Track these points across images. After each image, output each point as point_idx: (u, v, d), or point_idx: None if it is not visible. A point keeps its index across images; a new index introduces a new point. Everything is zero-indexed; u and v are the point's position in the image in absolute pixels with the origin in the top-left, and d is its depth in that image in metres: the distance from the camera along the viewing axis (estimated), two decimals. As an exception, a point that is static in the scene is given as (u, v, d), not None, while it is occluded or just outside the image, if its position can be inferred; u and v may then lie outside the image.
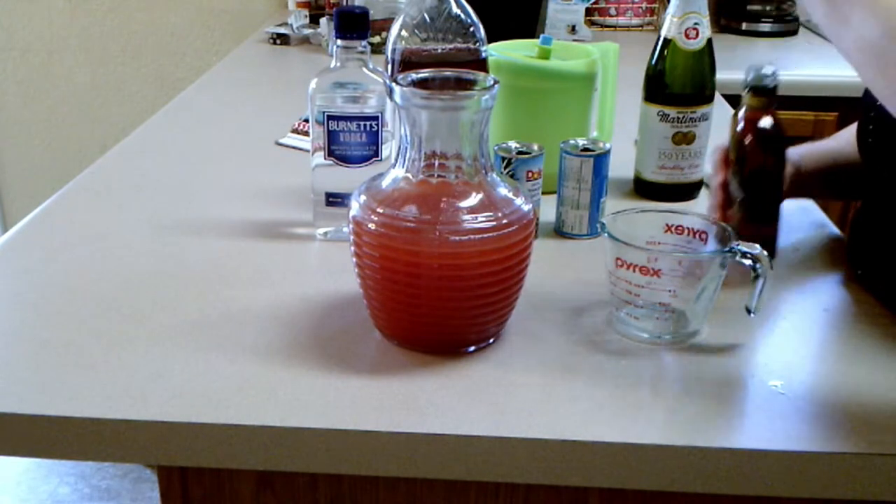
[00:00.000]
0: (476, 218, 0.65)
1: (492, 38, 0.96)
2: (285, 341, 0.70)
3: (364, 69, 0.83)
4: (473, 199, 0.66)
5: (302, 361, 0.68)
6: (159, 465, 0.67)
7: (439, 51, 0.89)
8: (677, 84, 0.98)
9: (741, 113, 0.81)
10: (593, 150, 0.89)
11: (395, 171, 0.68)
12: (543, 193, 0.91)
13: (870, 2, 0.60)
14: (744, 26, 2.13)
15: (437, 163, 0.66)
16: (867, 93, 0.81)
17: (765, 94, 0.80)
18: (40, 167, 2.49)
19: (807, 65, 1.79)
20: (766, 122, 0.80)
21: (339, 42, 0.83)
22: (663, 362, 0.69)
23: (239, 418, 0.61)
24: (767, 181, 0.81)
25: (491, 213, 0.65)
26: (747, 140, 0.80)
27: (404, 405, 0.62)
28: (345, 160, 0.86)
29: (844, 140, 0.91)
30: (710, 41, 0.98)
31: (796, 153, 0.89)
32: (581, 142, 0.90)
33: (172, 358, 0.68)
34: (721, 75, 1.01)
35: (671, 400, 0.64)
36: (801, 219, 0.97)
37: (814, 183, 0.91)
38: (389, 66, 0.92)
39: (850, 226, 0.87)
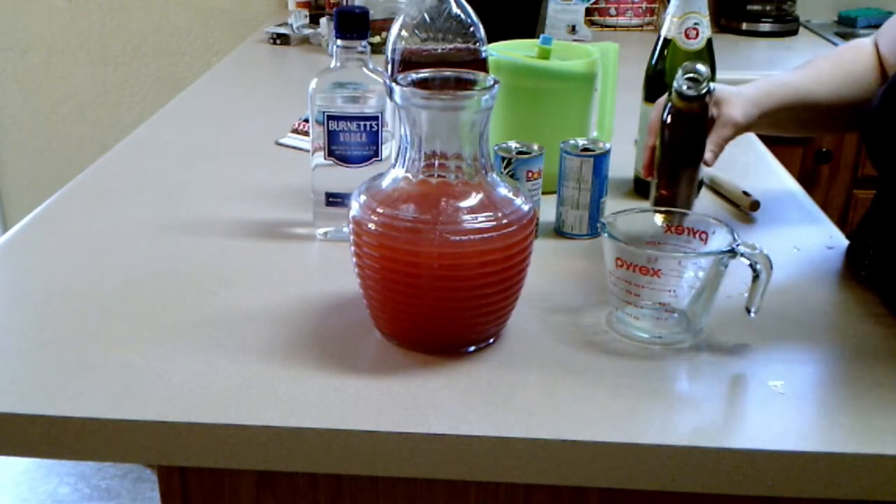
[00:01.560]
0: (476, 218, 0.65)
1: (492, 38, 0.96)
2: (285, 341, 0.70)
3: (364, 69, 0.83)
4: (473, 199, 0.66)
5: (302, 361, 0.68)
6: (159, 465, 0.67)
7: (439, 51, 0.89)
8: (677, 84, 0.98)
9: (669, 103, 0.85)
10: (593, 150, 0.89)
11: (395, 171, 0.68)
12: (543, 193, 0.91)
13: None
14: (744, 26, 2.13)
15: (437, 163, 0.66)
16: (883, 98, 0.80)
17: (689, 101, 0.83)
18: (40, 167, 2.49)
19: (807, 65, 1.78)
20: (690, 119, 0.85)
21: (339, 42, 0.83)
22: (663, 362, 0.69)
23: (239, 418, 0.61)
24: (686, 162, 0.87)
25: (491, 213, 0.65)
26: (670, 131, 0.85)
27: (404, 405, 0.62)
28: (345, 160, 0.86)
29: (811, 79, 0.92)
30: (710, 41, 0.98)
31: (756, 94, 0.91)
32: (581, 142, 0.90)
33: (172, 358, 0.68)
34: (721, 75, 1.01)
35: (671, 400, 0.64)
36: (802, 219, 0.97)
37: (777, 122, 0.93)
38: (389, 66, 0.92)
39: (856, 226, 0.87)
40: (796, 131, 0.98)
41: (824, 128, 0.95)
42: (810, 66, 0.95)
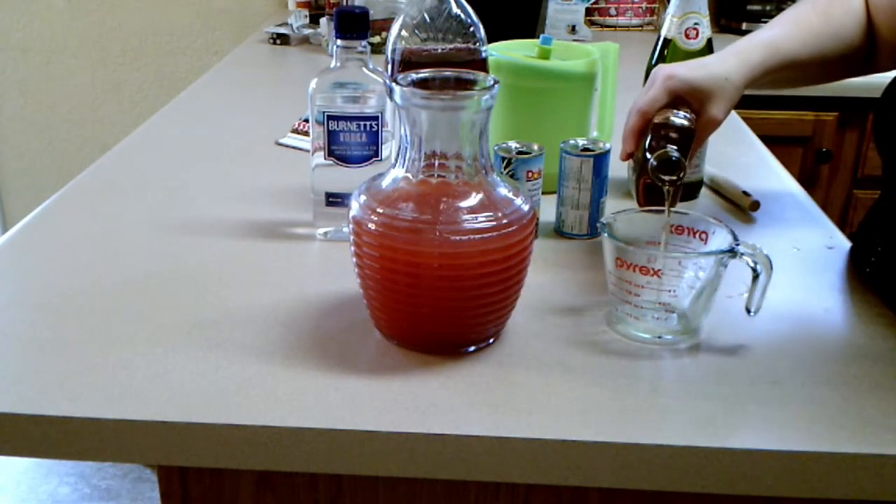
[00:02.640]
0: (476, 218, 0.65)
1: (492, 38, 0.96)
2: (285, 341, 0.70)
3: (364, 69, 0.83)
4: (473, 199, 0.66)
5: (302, 361, 0.68)
6: (159, 465, 0.67)
7: (439, 51, 0.89)
8: (677, 84, 0.98)
9: (646, 166, 0.79)
10: (593, 150, 0.89)
11: (395, 171, 0.68)
12: (543, 193, 0.91)
13: None
14: (744, 26, 2.13)
15: (437, 163, 0.66)
16: (889, 91, 0.80)
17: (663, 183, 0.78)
18: (40, 167, 2.49)
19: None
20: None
21: (339, 42, 0.83)
22: (663, 362, 0.69)
23: (239, 418, 0.61)
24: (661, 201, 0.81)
25: (491, 213, 0.65)
26: (645, 194, 0.82)
27: (404, 405, 0.62)
28: (345, 160, 0.86)
29: (798, 40, 0.89)
30: (710, 41, 0.98)
31: (743, 77, 0.85)
32: (581, 142, 0.90)
33: (172, 358, 0.68)
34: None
35: (671, 400, 0.64)
36: (802, 219, 0.97)
37: (758, 86, 0.90)
38: (389, 66, 0.92)
39: (860, 223, 0.87)
40: (771, 89, 0.96)
41: (800, 84, 0.94)
42: (799, 22, 0.91)
